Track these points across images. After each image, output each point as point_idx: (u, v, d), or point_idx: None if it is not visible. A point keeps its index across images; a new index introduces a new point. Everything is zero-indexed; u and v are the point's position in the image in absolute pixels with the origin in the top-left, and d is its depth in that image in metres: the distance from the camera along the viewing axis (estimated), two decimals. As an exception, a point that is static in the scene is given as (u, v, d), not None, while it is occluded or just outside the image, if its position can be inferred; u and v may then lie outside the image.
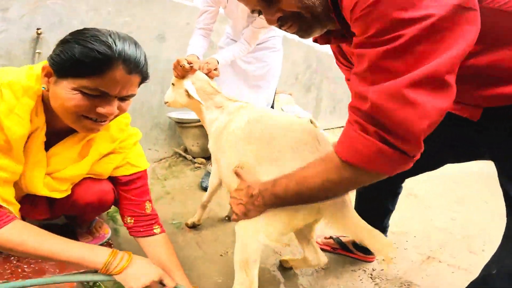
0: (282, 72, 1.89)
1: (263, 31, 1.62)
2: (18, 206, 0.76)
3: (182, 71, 1.23)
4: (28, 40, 1.64)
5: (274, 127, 0.91)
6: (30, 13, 1.60)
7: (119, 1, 1.81)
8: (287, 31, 0.68)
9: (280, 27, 0.66)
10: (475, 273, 1.30)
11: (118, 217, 1.49)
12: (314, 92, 3.09)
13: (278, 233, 0.79)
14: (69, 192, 0.87)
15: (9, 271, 0.95)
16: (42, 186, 0.80)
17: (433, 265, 1.37)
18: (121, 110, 0.75)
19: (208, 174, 1.97)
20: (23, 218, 0.91)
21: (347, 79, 0.94)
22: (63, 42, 0.68)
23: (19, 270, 0.96)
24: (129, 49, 0.68)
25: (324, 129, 2.85)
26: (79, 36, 0.66)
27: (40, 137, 0.76)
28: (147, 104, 2.09)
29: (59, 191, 0.84)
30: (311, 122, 2.36)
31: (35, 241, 0.70)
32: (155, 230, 0.93)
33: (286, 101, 2.52)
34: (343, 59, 0.88)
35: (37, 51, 1.67)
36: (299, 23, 0.64)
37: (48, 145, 0.80)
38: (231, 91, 1.75)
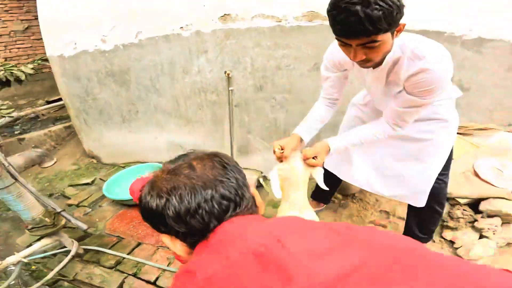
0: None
1: (417, 111, 1.06)
2: None
3: (278, 157, 1.19)
4: (224, 77, 2.16)
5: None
6: (221, 54, 2.08)
7: (274, 34, 1.81)
8: None
9: None
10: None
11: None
12: None
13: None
14: None
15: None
16: None
17: None
18: None
19: None
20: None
21: None
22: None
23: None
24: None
25: None
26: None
27: None
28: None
29: None
30: None
31: None
32: None
33: None
34: None
35: (230, 88, 2.16)
36: None
37: None
38: (368, 165, 1.46)
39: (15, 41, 4.61)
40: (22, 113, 4.37)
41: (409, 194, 1.35)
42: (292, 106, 2.02)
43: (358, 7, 0.73)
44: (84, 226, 1.62)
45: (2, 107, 3.24)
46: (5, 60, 4.40)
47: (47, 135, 3.74)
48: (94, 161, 3.17)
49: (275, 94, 2.04)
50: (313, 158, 1.15)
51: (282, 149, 1.19)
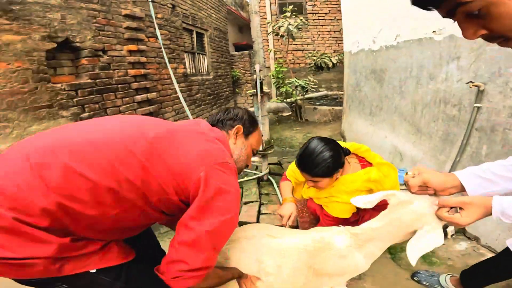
0: None
1: None
2: None
3: (405, 180, 0.94)
4: (474, 90, 1.71)
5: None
6: (476, 62, 1.63)
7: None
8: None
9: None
10: None
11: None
12: None
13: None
14: None
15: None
16: None
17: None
18: None
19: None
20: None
21: None
22: None
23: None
24: None
25: None
26: None
27: None
28: None
29: None
30: None
31: None
32: None
33: None
34: None
35: (476, 105, 1.69)
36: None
37: None
38: None
39: (341, 37, 6.05)
40: (329, 93, 5.94)
41: None
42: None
43: None
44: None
45: (311, 84, 4.72)
46: (334, 52, 6.02)
47: (330, 111, 4.91)
48: (342, 140, 3.83)
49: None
50: (456, 211, 0.79)
51: (412, 176, 0.90)
